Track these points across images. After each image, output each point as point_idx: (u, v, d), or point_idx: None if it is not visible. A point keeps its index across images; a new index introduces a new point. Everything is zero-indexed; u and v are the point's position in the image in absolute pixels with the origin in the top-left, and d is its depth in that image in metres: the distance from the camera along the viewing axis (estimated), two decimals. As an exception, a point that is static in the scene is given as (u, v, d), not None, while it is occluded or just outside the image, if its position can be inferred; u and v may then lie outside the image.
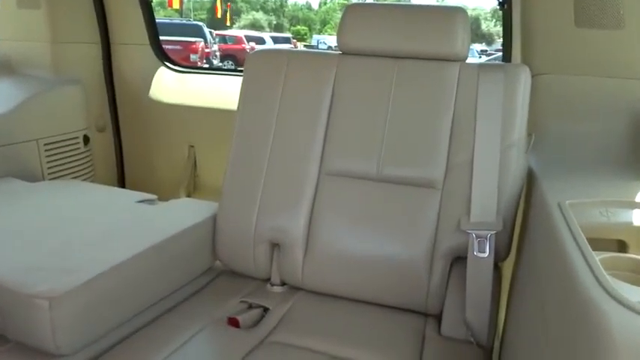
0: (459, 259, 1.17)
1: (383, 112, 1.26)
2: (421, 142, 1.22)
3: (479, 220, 1.12)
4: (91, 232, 1.21)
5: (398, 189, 1.23)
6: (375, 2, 1.41)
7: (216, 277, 1.39)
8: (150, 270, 1.17)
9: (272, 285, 1.33)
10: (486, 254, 1.09)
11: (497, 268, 1.17)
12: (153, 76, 2.11)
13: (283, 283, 1.34)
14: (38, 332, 0.95)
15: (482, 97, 1.19)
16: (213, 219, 1.37)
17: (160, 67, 2.13)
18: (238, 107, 1.37)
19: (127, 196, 1.51)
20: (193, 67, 2.20)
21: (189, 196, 2.10)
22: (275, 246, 1.32)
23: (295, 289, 1.32)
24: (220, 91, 2.02)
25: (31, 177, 1.72)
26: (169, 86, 2.10)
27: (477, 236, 1.10)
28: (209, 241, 1.37)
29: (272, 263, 1.33)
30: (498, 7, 1.59)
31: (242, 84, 1.39)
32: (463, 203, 1.16)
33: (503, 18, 1.57)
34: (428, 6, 1.32)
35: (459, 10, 1.25)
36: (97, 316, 1.03)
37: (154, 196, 1.55)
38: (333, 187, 1.28)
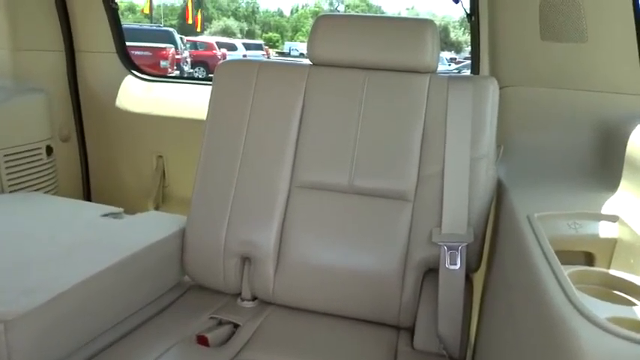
0: (430, 272, 1.17)
1: (354, 124, 1.26)
2: (392, 153, 1.22)
3: (450, 231, 1.12)
4: (53, 249, 1.16)
5: (370, 201, 1.23)
6: (346, 14, 1.41)
7: (185, 293, 1.36)
8: (115, 287, 1.13)
9: (242, 300, 1.31)
10: (458, 266, 1.09)
11: (468, 280, 1.17)
12: (119, 84, 2.06)
13: (254, 298, 1.31)
14: None
15: (451, 108, 1.20)
16: (181, 233, 1.34)
17: (126, 75, 2.08)
18: (207, 118, 1.35)
19: (92, 210, 1.46)
20: (161, 76, 2.16)
21: (157, 207, 2.05)
22: (245, 260, 1.30)
23: (266, 303, 1.30)
24: (189, 101, 1.99)
25: (-10, 190, 1.65)
26: (137, 95, 2.05)
27: (449, 248, 1.10)
28: (177, 256, 1.34)
29: (242, 278, 1.30)
30: (466, 19, 1.61)
31: (211, 94, 1.36)
32: (434, 215, 1.16)
33: (472, 30, 1.60)
34: (397, 18, 1.32)
35: (429, 22, 1.26)
36: (58, 337, 0.99)
37: (120, 209, 1.50)
38: (305, 200, 1.27)
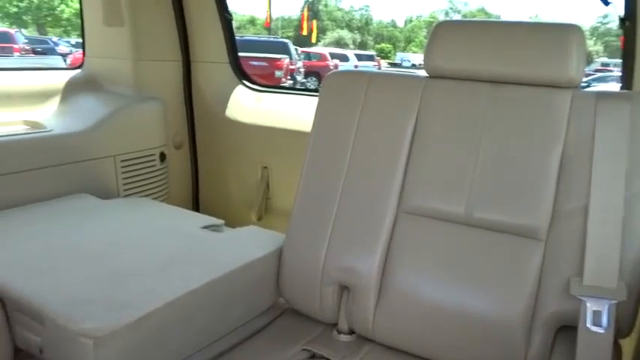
0: (565, 329, 0.97)
1: (475, 145, 1.09)
2: (521, 182, 1.03)
3: (594, 284, 0.91)
4: (149, 260, 1.15)
5: (490, 236, 1.05)
6: (469, 19, 1.25)
7: (279, 317, 1.28)
8: (207, 307, 1.08)
9: (339, 332, 1.19)
10: (603, 328, 0.88)
11: (616, 347, 0.95)
12: (231, 94, 2.07)
13: (351, 332, 1.19)
14: None
15: (601, 131, 0.99)
16: (279, 252, 1.27)
17: (238, 85, 2.09)
18: (312, 131, 1.27)
19: (193, 220, 1.45)
20: (271, 86, 2.14)
21: (260, 219, 2.02)
22: (344, 289, 1.19)
23: (365, 339, 1.17)
24: (298, 112, 1.94)
25: (106, 193, 1.72)
26: (246, 105, 2.05)
27: (592, 304, 0.89)
28: (273, 277, 1.27)
29: (340, 308, 1.19)
30: (618, 25, 1.36)
31: (317, 106, 1.28)
32: (574, 261, 0.96)
33: (626, 36, 1.34)
34: (534, 23, 1.13)
35: (574, 28, 1.06)
36: (145, 356, 0.95)
37: (221, 222, 1.47)
38: (413, 228, 1.13)
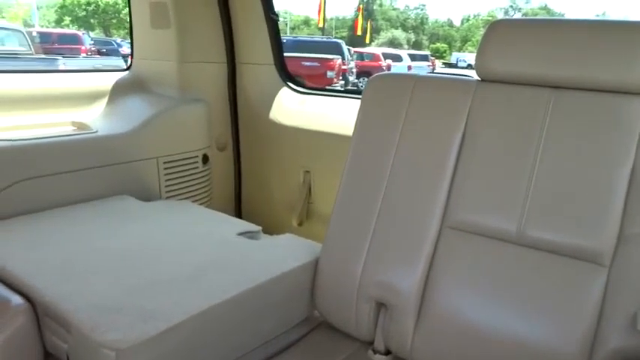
0: None
1: (530, 156, 0.99)
2: (583, 200, 0.92)
3: None
4: (181, 268, 1.12)
5: (545, 258, 0.95)
6: (528, 17, 1.15)
7: (313, 331, 1.22)
8: (237, 319, 1.04)
9: (375, 352, 1.12)
10: None
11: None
12: (275, 96, 2.04)
13: (388, 352, 1.12)
14: None
15: None
16: (316, 263, 1.21)
17: (282, 87, 2.05)
18: (353, 135, 1.20)
19: (230, 226, 1.41)
20: (315, 89, 2.09)
21: (301, 223, 1.98)
22: (381, 306, 1.11)
23: None
24: (342, 115, 1.87)
25: (148, 195, 1.72)
26: (290, 107, 2.00)
27: None
28: (308, 288, 1.21)
29: (377, 326, 1.12)
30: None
31: (359, 110, 1.21)
32: None
33: None
34: (602, 22, 1.01)
35: None
36: (172, 370, 0.92)
37: (258, 228, 1.43)
38: (458, 245, 1.04)
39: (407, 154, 1.11)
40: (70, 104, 1.79)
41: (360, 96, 1.93)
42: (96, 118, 1.78)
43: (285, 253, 1.25)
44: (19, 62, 7.33)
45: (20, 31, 8.94)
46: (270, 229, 1.50)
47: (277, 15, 1.97)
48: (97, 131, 1.65)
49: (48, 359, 1.03)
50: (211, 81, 1.99)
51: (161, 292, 1.01)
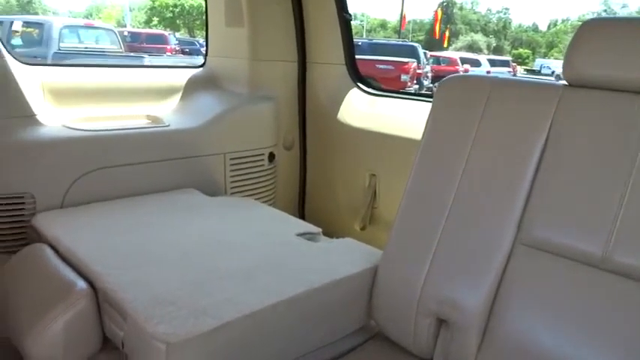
0: None
1: (623, 171, 0.88)
2: None
3: None
4: (237, 265, 1.11)
5: (633, 288, 0.84)
6: (624, 16, 1.03)
7: (367, 341, 1.17)
8: (289, 322, 1.01)
9: (432, 370, 1.05)
10: None
11: None
12: (344, 97, 2.00)
13: (447, 372, 1.04)
14: None
15: None
16: (375, 270, 1.16)
17: (352, 88, 2.01)
18: (422, 140, 1.14)
19: (291, 226, 1.39)
20: (386, 91, 2.03)
21: (364, 228, 1.92)
22: (442, 322, 1.04)
23: None
24: (413, 118, 1.80)
25: (214, 190, 1.75)
26: (359, 109, 1.96)
27: None
28: (365, 297, 1.16)
29: (436, 343, 1.05)
30: None
31: (430, 113, 1.15)
32: None
33: None
34: None
35: None
36: (219, 368, 0.91)
37: (318, 230, 1.40)
38: (532, 264, 0.95)
39: (480, 162, 1.04)
40: (147, 98, 1.86)
41: (430, 99, 1.86)
42: (169, 113, 1.84)
43: (344, 257, 1.20)
44: (109, 59, 7.84)
45: (113, 31, 9.57)
46: (332, 232, 1.47)
47: (350, 14, 1.93)
48: (169, 125, 1.69)
49: (106, 344, 1.05)
50: (281, 79, 1.99)
51: (216, 288, 1.00)
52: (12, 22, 8.06)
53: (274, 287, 1.03)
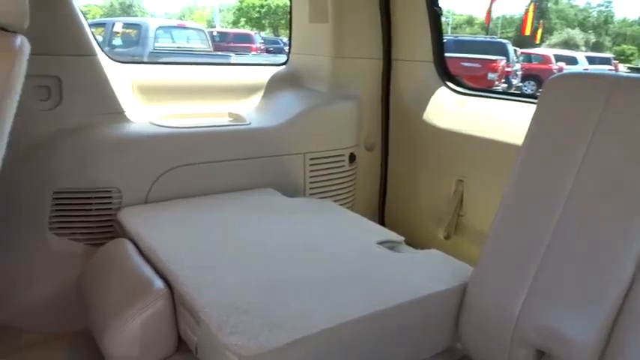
0: None
1: None
2: None
3: None
4: (317, 274, 1.05)
5: None
6: None
7: (453, 366, 1.07)
8: (367, 340, 0.94)
9: (528, 407, 0.93)
10: None
11: None
12: (431, 96, 1.88)
13: (545, 410, 0.92)
14: None
15: None
16: (464, 288, 1.05)
17: (440, 87, 1.89)
18: (524, 144, 1.02)
19: (371, 233, 1.32)
20: (479, 89, 1.88)
21: (448, 237, 1.80)
22: (542, 355, 0.92)
23: None
24: (507, 120, 1.65)
25: (292, 190, 1.71)
26: (447, 109, 1.84)
27: None
28: (452, 317, 1.06)
29: (533, 377, 0.93)
30: None
31: (535, 115, 1.02)
32: None
33: None
34: None
35: None
36: (292, 385, 0.85)
37: (401, 239, 1.31)
38: None
39: (596, 171, 0.90)
40: (230, 96, 1.86)
41: (531, 100, 1.69)
42: (250, 110, 1.82)
43: (430, 272, 1.11)
44: (198, 58, 8.18)
45: (202, 31, 9.99)
46: (412, 239, 1.37)
47: (441, 8, 1.81)
48: (250, 123, 1.67)
49: (181, 345, 1.04)
50: (364, 77, 1.91)
51: (292, 298, 0.95)
52: (114, 24, 8.65)
53: (353, 302, 0.95)
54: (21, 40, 0.86)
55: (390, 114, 1.98)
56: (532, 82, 13.45)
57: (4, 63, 0.81)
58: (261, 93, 1.91)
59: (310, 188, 1.78)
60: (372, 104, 1.95)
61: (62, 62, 1.45)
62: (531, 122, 1.02)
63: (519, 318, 0.92)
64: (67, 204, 1.44)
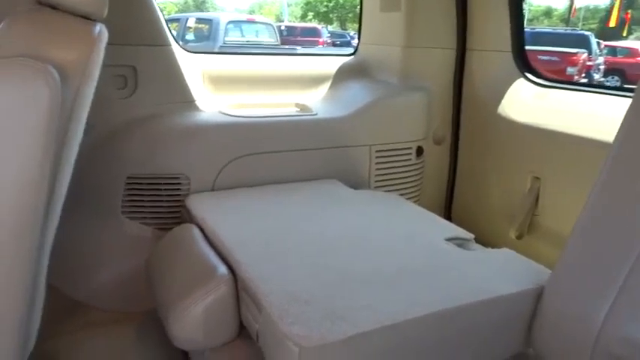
0: None
1: None
2: None
3: None
4: (381, 268, 1.02)
5: None
6: None
7: (524, 374, 1.00)
8: (435, 339, 0.89)
9: None
10: None
11: None
12: (508, 88, 1.78)
13: None
14: None
15: None
16: (539, 292, 0.98)
17: (518, 78, 1.78)
18: (615, 143, 0.92)
19: (439, 229, 1.26)
20: (562, 82, 1.75)
21: (520, 237, 1.70)
22: (628, 369, 0.83)
23: None
24: (592, 115, 1.53)
25: (357, 182, 1.68)
26: (525, 102, 1.73)
27: None
28: (524, 321, 0.99)
29: (617, 394, 0.84)
30: None
31: (630, 109, 0.92)
32: None
33: None
34: None
35: None
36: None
37: (471, 236, 1.25)
38: None
39: None
40: (297, 86, 1.86)
41: (621, 92, 1.55)
42: (317, 101, 1.81)
43: (502, 272, 1.04)
44: (266, 51, 8.34)
45: (271, 25, 10.16)
46: (481, 238, 1.30)
47: (522, -7, 1.70)
48: (316, 114, 1.66)
49: (242, 332, 1.04)
50: (436, 68, 1.84)
51: (356, 291, 0.92)
52: (187, 19, 8.99)
53: (419, 298, 0.91)
54: (100, 29, 0.89)
55: (462, 106, 1.89)
56: (616, 77, 12.55)
57: (83, 50, 0.84)
58: (329, 84, 1.88)
59: (375, 181, 1.74)
60: (443, 96, 1.87)
61: (138, 52, 1.50)
62: (626, 116, 0.92)
63: (603, 327, 0.84)
64: (138, 189, 1.49)
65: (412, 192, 1.83)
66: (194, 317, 0.99)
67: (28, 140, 0.67)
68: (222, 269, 1.04)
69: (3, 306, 0.68)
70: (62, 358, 1.36)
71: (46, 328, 0.84)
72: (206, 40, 8.30)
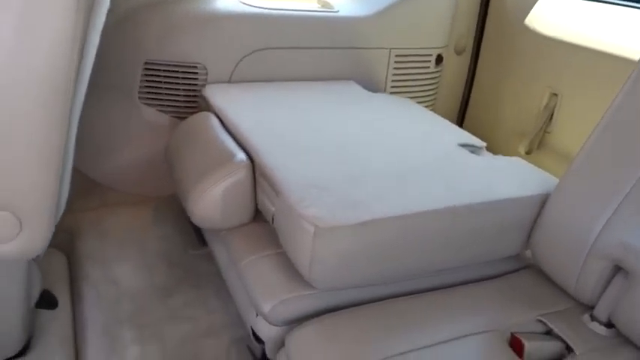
0: None
1: None
2: None
3: None
4: (397, 165, 1.05)
5: None
6: None
7: (518, 271, 1.07)
8: (442, 233, 0.95)
9: (592, 319, 0.92)
10: None
11: None
12: None
13: (610, 325, 0.91)
14: (297, 254, 0.87)
15: None
16: (544, 199, 1.02)
17: (550, -13, 1.70)
18: None
19: (452, 134, 1.28)
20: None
21: (529, 152, 1.72)
22: (619, 270, 0.89)
23: (627, 340, 0.88)
24: (624, 31, 1.48)
25: (373, 86, 1.67)
26: (554, 14, 1.66)
27: None
28: (527, 225, 1.04)
29: (605, 292, 0.91)
30: None
31: None
32: None
33: None
34: None
35: None
36: (362, 263, 0.89)
37: (483, 144, 1.27)
38: None
39: None
40: None
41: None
42: None
43: (511, 177, 1.07)
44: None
45: None
46: (490, 150, 1.33)
47: None
48: (338, 11, 1.61)
49: (257, 215, 1.10)
50: None
51: (369, 184, 0.96)
52: None
53: (431, 194, 0.95)
54: None
55: (488, 16, 1.83)
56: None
57: None
58: None
59: (391, 86, 1.73)
60: (469, 3, 1.80)
61: None
62: None
63: (602, 232, 0.89)
64: (155, 75, 1.49)
65: (427, 100, 1.82)
66: (213, 197, 1.04)
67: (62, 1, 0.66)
68: (241, 155, 1.07)
69: (42, 166, 0.71)
70: (83, 232, 1.44)
71: (67, 202, 0.88)
72: None
